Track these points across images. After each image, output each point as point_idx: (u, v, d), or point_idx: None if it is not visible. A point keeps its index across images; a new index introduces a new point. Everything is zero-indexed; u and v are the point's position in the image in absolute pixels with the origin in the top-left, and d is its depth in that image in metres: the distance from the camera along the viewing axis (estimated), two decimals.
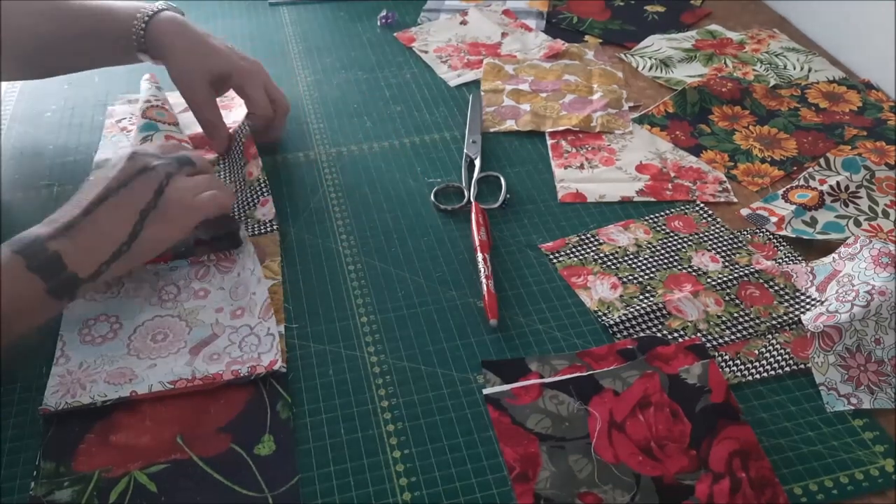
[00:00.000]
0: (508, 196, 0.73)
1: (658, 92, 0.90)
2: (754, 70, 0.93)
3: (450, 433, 0.53)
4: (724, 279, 0.64)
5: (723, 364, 0.57)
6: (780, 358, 0.57)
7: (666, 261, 0.66)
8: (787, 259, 0.67)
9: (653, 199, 0.73)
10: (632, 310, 0.61)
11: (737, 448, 0.50)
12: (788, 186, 0.75)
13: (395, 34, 1.02)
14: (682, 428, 0.52)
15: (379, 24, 1.04)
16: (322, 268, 0.66)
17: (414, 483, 0.50)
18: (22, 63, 0.74)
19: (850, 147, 0.80)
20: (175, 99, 0.78)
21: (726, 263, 0.66)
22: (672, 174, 0.77)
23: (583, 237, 0.69)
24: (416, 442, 0.52)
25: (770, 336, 0.59)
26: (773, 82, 0.91)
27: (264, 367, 0.56)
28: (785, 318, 0.61)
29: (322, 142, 0.82)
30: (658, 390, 0.54)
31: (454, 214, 0.72)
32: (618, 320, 0.60)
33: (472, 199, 0.72)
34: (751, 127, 0.84)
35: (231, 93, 0.78)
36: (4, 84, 0.89)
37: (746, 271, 0.64)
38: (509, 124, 0.84)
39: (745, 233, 0.69)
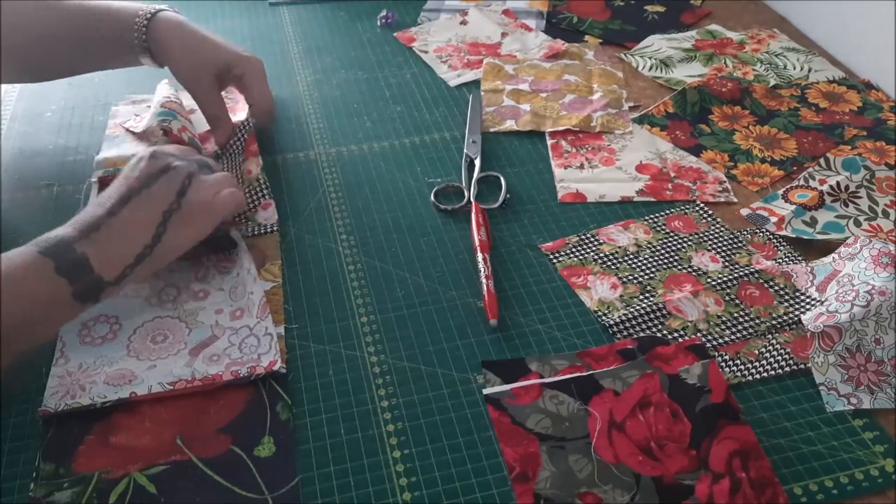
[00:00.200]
0: (508, 196, 0.73)
1: (658, 92, 0.90)
2: (754, 70, 0.93)
3: (450, 433, 0.53)
4: (724, 279, 0.64)
5: (723, 364, 0.57)
6: (780, 358, 0.57)
7: (666, 261, 0.66)
8: (787, 259, 0.67)
9: (653, 199, 0.73)
10: (632, 310, 0.61)
11: (737, 448, 0.50)
12: (788, 186, 0.75)
13: (395, 34, 1.01)
14: (682, 428, 0.52)
15: (379, 23, 1.04)
16: (322, 268, 0.66)
17: (414, 483, 0.50)
18: (22, 64, 0.74)
19: (850, 147, 0.80)
20: (186, 101, 0.79)
21: (726, 263, 0.66)
22: (672, 174, 0.76)
23: (583, 237, 0.69)
24: (416, 442, 0.52)
25: (770, 336, 0.59)
26: (773, 82, 0.91)
27: (264, 367, 0.56)
28: (785, 318, 0.61)
29: (322, 142, 0.82)
30: (658, 390, 0.54)
31: (454, 214, 0.72)
32: (618, 320, 0.60)
33: (472, 199, 0.72)
34: (751, 127, 0.84)
35: (235, 95, 0.78)
36: (4, 85, 0.89)
37: (746, 271, 0.64)
38: (509, 124, 0.84)
39: (745, 233, 0.69)
